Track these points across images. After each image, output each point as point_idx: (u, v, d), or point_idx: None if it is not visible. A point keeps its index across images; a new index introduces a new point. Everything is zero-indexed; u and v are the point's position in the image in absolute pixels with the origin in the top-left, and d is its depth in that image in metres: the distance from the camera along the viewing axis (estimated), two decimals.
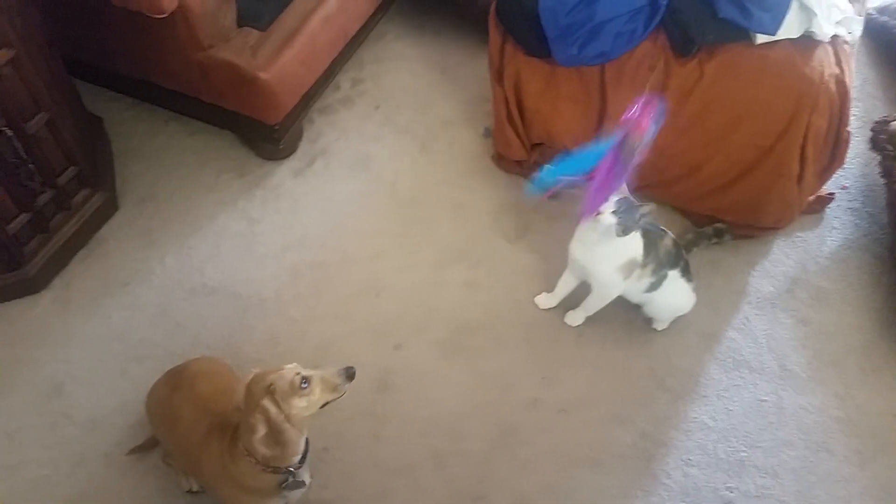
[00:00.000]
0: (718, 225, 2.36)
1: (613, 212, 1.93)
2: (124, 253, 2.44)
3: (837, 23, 2.22)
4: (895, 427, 2.15)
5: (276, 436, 1.60)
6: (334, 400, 1.64)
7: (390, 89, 2.89)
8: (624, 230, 1.95)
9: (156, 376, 1.92)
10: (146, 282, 2.38)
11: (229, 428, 1.69)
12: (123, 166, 2.62)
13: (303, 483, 1.74)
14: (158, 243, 2.46)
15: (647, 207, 1.94)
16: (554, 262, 2.38)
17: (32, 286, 2.31)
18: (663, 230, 2.14)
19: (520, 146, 2.55)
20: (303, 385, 1.58)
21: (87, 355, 2.23)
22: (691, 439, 2.12)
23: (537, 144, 2.59)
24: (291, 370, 1.60)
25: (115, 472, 2.04)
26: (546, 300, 2.34)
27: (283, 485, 1.68)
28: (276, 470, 1.66)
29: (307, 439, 1.72)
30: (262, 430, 1.57)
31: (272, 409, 1.56)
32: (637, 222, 1.95)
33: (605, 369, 2.23)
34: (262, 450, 1.60)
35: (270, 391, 1.56)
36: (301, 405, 1.59)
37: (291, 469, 1.69)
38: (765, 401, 2.19)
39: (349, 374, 1.63)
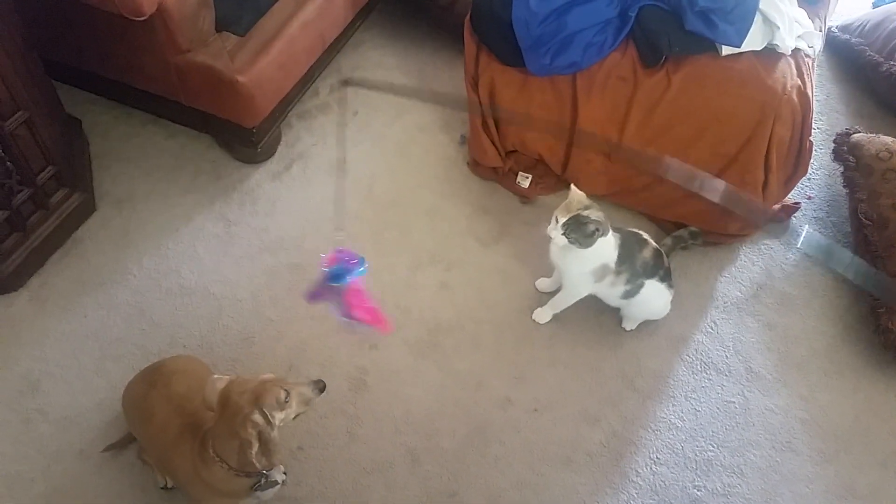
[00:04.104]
0: (693, 228, 2.42)
1: (563, 233, 1.98)
2: (101, 253, 2.44)
3: (799, 37, 2.30)
4: (856, 428, 2.21)
5: (264, 447, 1.61)
6: (302, 413, 1.67)
7: (368, 96, 2.92)
8: (582, 244, 1.99)
9: (131, 375, 1.93)
10: (123, 282, 2.38)
11: (200, 430, 1.70)
12: (101, 168, 2.62)
13: (275, 482, 1.76)
14: (135, 244, 2.46)
15: (595, 214, 1.96)
16: (527, 265, 2.43)
17: (9, 284, 2.31)
18: (646, 240, 2.16)
19: (494, 153, 2.59)
20: (286, 400, 1.60)
21: (63, 353, 2.23)
22: (660, 439, 2.17)
23: (512, 151, 2.64)
24: (275, 384, 1.61)
25: (90, 468, 2.03)
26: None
27: (255, 487, 1.70)
28: (248, 474, 1.67)
29: None
30: (256, 445, 1.58)
31: (262, 423, 1.58)
32: (591, 236, 1.97)
33: (575, 370, 2.27)
34: (257, 463, 1.61)
35: (259, 404, 1.57)
36: (280, 417, 1.61)
37: (264, 472, 1.70)
38: (731, 402, 2.24)
39: (320, 388, 1.67)
